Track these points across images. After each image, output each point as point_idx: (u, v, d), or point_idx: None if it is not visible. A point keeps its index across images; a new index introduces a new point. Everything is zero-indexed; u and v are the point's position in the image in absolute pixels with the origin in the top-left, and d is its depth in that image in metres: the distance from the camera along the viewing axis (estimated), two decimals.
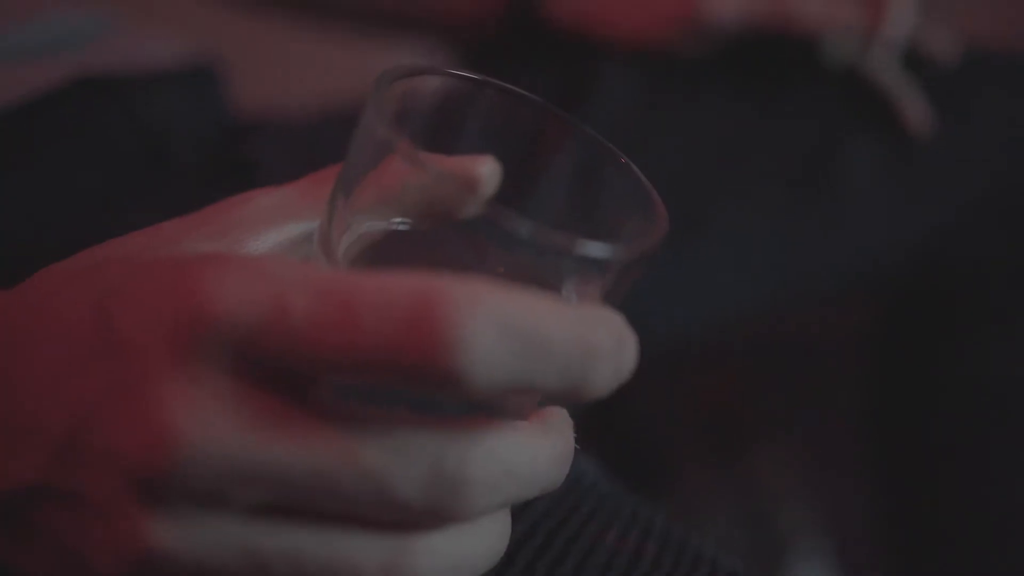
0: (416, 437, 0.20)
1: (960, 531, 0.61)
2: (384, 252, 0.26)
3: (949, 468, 0.63)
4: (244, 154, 0.49)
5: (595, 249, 0.21)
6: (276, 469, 0.19)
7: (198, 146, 0.48)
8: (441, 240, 0.26)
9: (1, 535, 0.23)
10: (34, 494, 0.22)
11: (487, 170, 0.27)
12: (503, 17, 0.63)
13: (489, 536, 0.22)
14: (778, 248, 0.59)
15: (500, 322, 0.19)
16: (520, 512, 0.31)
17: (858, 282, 0.63)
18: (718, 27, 0.58)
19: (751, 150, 0.59)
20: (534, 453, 0.22)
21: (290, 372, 0.20)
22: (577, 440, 0.24)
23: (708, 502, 0.75)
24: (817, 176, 0.58)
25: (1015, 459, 0.60)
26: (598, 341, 0.20)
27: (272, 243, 0.26)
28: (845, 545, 0.74)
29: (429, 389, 0.19)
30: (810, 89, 0.60)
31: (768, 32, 0.58)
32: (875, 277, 0.63)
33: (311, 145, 0.51)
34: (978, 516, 0.61)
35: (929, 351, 0.65)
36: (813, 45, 0.58)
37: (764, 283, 0.60)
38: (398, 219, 0.26)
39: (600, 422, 0.74)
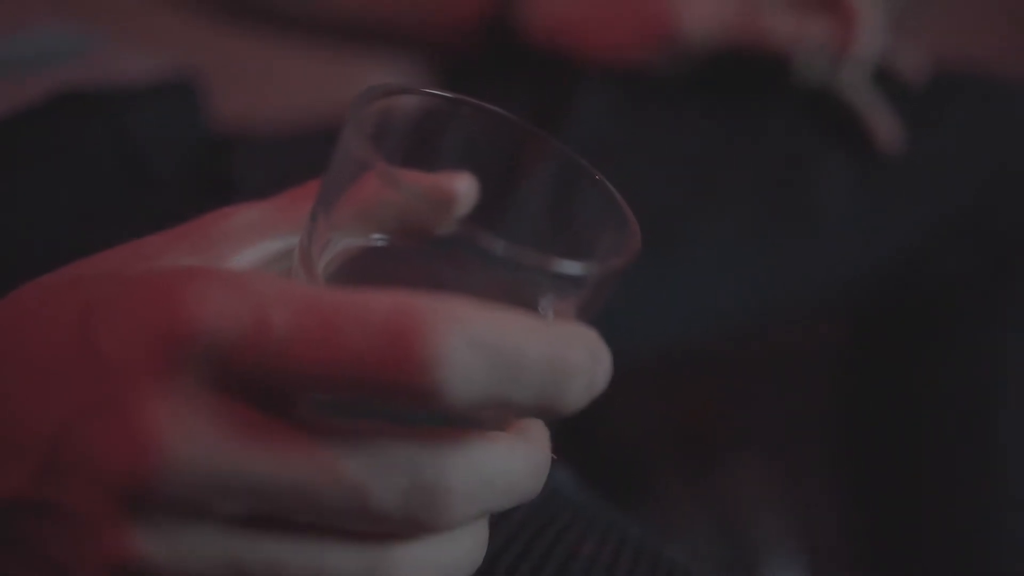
0: (394, 448, 0.20)
1: (930, 540, 0.62)
2: (363, 268, 0.26)
3: (920, 479, 0.63)
4: (225, 169, 0.50)
5: (569, 267, 0.22)
6: (257, 481, 0.20)
7: (179, 161, 0.48)
8: (419, 256, 0.26)
9: None
10: (17, 507, 0.22)
11: (464, 187, 0.27)
12: (481, 35, 0.63)
13: (468, 544, 0.23)
14: (752, 264, 0.59)
15: (476, 339, 0.19)
16: (498, 522, 0.32)
17: (830, 297, 0.64)
18: (693, 44, 0.58)
19: (725, 167, 0.59)
20: (511, 463, 0.22)
21: (271, 386, 0.20)
22: (554, 451, 0.24)
23: (683, 513, 0.76)
24: (790, 193, 0.59)
25: (984, 470, 0.61)
26: (572, 357, 0.20)
27: (252, 258, 0.26)
28: (818, 555, 0.75)
29: (407, 404, 0.20)
30: (782, 107, 0.61)
31: (742, 50, 0.59)
32: (847, 292, 0.64)
33: (291, 160, 0.51)
34: (947, 525, 0.62)
35: (900, 365, 0.65)
36: (785, 63, 0.59)
37: (738, 299, 0.61)
38: (377, 235, 0.26)
39: (577, 434, 0.74)
